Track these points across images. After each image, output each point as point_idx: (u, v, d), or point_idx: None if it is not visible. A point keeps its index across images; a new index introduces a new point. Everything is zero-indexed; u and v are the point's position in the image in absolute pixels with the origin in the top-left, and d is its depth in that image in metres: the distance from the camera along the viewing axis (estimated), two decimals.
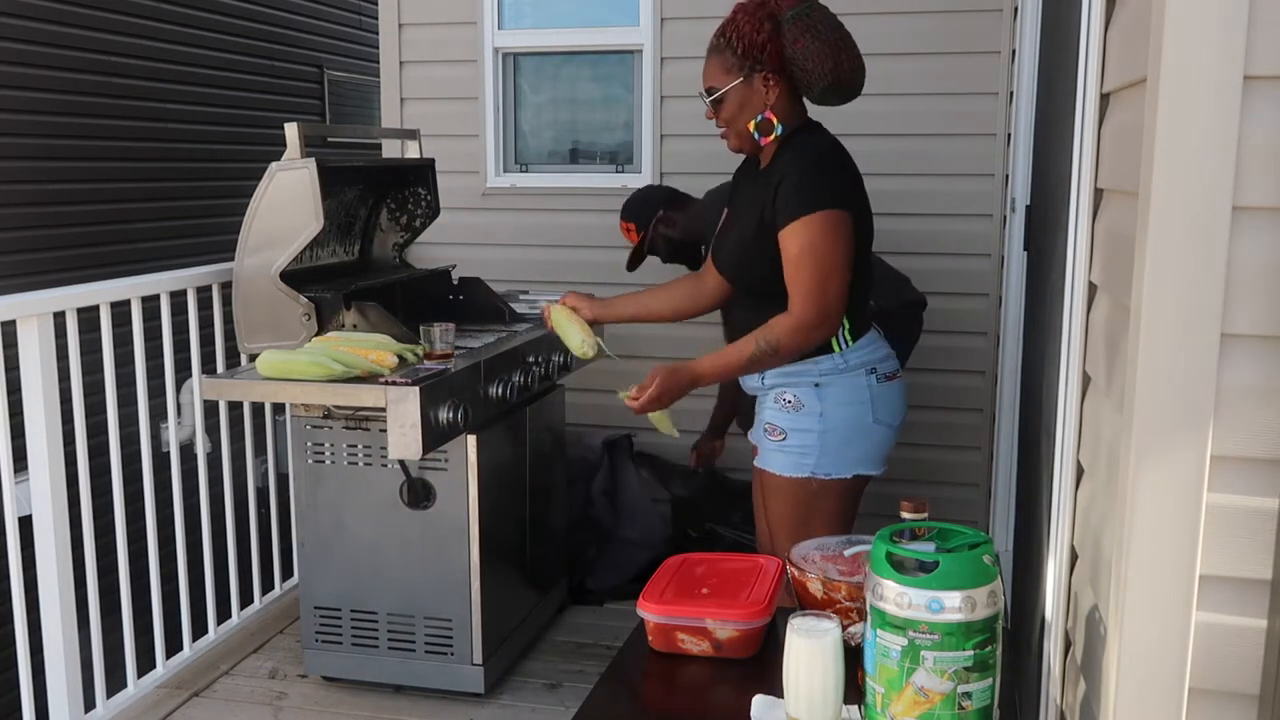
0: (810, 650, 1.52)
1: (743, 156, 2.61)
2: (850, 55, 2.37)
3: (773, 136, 2.43)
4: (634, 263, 3.56)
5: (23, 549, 2.76)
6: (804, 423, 2.44)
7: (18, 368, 2.74)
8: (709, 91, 2.45)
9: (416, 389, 2.67)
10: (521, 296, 3.76)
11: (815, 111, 2.50)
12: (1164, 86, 1.15)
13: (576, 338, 2.65)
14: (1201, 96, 1.14)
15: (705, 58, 2.46)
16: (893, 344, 2.57)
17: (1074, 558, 1.66)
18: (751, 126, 2.42)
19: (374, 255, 3.75)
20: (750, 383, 2.56)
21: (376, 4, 4.55)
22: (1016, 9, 3.67)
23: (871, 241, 2.51)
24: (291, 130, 3.08)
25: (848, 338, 2.42)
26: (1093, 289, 1.59)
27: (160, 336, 3.16)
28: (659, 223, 3.46)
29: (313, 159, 3.05)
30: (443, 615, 3.02)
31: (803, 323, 2.34)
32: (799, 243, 2.33)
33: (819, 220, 2.32)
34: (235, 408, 3.42)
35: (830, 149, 2.43)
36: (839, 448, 2.44)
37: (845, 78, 2.38)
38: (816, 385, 2.43)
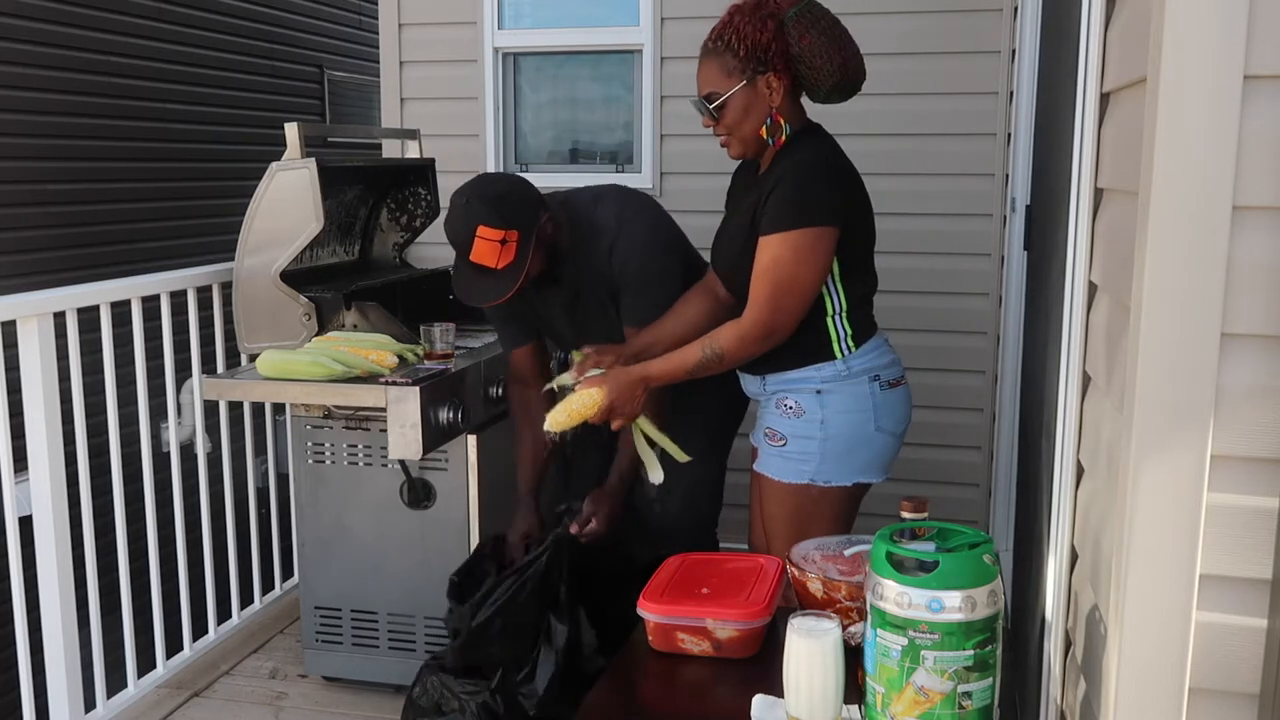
0: (810, 650, 1.52)
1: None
2: (853, 50, 2.34)
3: (783, 138, 2.37)
4: (512, 283, 2.50)
5: (23, 549, 2.76)
6: (805, 429, 2.41)
7: (18, 368, 2.74)
8: (709, 98, 2.35)
9: (416, 389, 2.67)
10: None
11: (814, 111, 2.48)
12: (1164, 86, 1.15)
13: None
14: (1201, 96, 1.14)
15: (700, 63, 2.38)
16: None
17: (1074, 558, 1.66)
18: (764, 132, 2.35)
19: (374, 255, 3.75)
20: (751, 388, 2.54)
21: (376, 4, 4.55)
22: (1016, 9, 3.67)
23: (873, 244, 2.49)
24: (291, 130, 3.08)
25: (850, 344, 2.38)
26: (1093, 289, 1.59)
27: (160, 336, 3.16)
28: (548, 223, 2.58)
29: (313, 159, 3.05)
30: (443, 615, 3.02)
31: (747, 334, 2.31)
32: (770, 254, 2.29)
33: (797, 238, 2.27)
34: (235, 408, 3.42)
35: (830, 157, 2.39)
36: (840, 455, 2.41)
37: (851, 73, 2.34)
38: (818, 392, 2.40)
